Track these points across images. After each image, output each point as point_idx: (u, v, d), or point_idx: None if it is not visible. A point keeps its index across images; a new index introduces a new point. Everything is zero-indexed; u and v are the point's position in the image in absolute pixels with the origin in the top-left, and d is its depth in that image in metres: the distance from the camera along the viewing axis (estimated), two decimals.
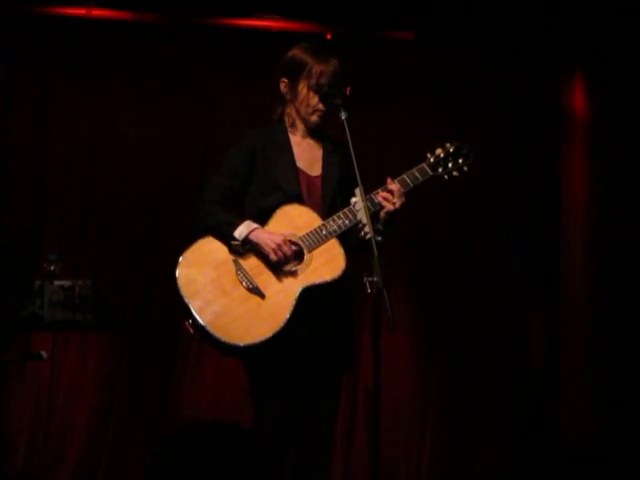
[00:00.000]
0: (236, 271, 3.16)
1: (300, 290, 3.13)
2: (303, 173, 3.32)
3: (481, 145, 5.22)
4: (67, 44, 5.07)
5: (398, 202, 3.22)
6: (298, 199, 3.25)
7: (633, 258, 5.14)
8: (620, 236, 5.22)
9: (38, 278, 4.58)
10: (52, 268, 4.61)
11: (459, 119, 5.33)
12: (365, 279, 2.86)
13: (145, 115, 5.17)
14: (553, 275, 5.44)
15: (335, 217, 3.21)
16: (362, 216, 3.03)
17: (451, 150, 3.35)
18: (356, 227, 3.12)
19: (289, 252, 3.16)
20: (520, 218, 5.46)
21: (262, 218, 3.22)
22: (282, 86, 3.35)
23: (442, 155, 3.34)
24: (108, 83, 5.12)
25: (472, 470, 5.25)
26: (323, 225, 3.20)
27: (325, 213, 3.24)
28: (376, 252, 2.90)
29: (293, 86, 3.32)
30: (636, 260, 5.12)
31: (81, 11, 4.95)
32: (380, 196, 3.23)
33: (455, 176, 3.35)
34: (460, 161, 3.35)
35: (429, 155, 3.33)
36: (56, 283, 4.53)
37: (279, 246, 3.14)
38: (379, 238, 3.05)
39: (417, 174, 3.29)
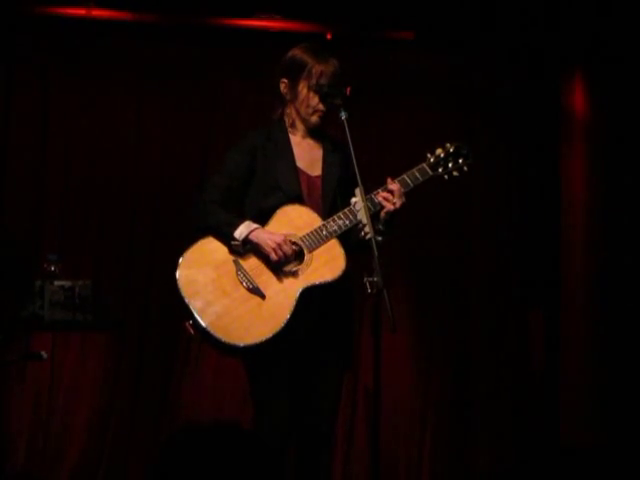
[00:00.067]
0: (236, 271, 3.16)
1: (300, 290, 3.13)
2: (303, 173, 3.32)
3: (481, 145, 5.23)
4: (67, 44, 5.07)
5: (398, 202, 3.22)
6: (298, 199, 3.26)
7: (633, 258, 5.14)
8: (620, 236, 5.22)
9: (38, 278, 4.58)
10: (52, 268, 4.61)
11: (459, 119, 5.33)
12: (365, 279, 2.86)
13: (145, 115, 5.17)
14: (553, 275, 5.44)
15: (335, 217, 3.21)
16: (362, 216, 3.03)
17: (451, 150, 3.35)
18: (356, 227, 3.12)
19: (289, 252, 3.16)
20: (520, 218, 5.46)
21: (262, 218, 3.22)
22: (282, 86, 3.35)
23: (442, 155, 3.34)
24: (108, 83, 5.12)
25: (472, 470, 5.24)
26: (323, 225, 3.20)
27: (325, 213, 3.24)
28: (376, 252, 2.90)
29: (293, 86, 3.32)
30: (636, 260, 5.12)
31: (81, 11, 4.95)
32: (380, 196, 3.23)
33: (455, 176, 3.36)
34: (460, 161, 3.35)
35: (429, 155, 3.34)
36: (56, 283, 4.53)
37: (279, 246, 3.14)
38: (379, 238, 3.05)
39: (417, 174, 3.29)
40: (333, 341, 3.27)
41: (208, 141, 5.18)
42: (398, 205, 3.22)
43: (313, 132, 3.37)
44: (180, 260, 3.16)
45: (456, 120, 5.31)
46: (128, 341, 5.03)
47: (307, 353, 3.23)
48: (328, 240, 3.19)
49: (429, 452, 5.24)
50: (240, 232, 3.16)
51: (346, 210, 3.21)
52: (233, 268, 3.17)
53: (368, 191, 3.17)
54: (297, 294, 3.13)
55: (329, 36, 5.11)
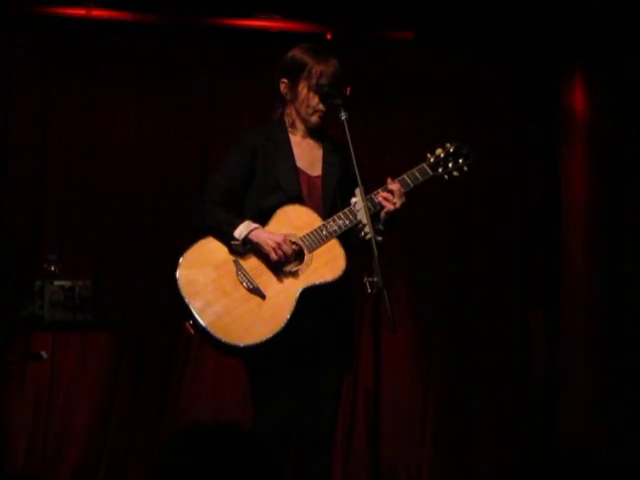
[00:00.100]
0: (236, 272, 3.16)
1: (300, 290, 3.13)
2: (303, 173, 3.32)
3: (481, 145, 5.22)
4: (67, 44, 5.07)
5: (398, 202, 3.22)
6: (298, 199, 3.26)
7: (633, 258, 5.14)
8: (620, 236, 5.21)
9: (38, 278, 4.58)
10: (52, 268, 4.61)
11: (459, 119, 5.33)
12: (365, 279, 2.86)
13: (145, 115, 5.17)
14: (553, 275, 5.44)
15: (335, 217, 3.21)
16: (362, 216, 3.03)
17: (451, 150, 3.35)
18: (356, 227, 3.12)
19: (289, 251, 3.16)
20: (520, 218, 5.46)
21: (262, 218, 3.22)
22: (282, 86, 3.35)
23: (442, 155, 3.34)
24: (108, 83, 5.12)
25: (472, 470, 5.24)
26: (323, 225, 3.20)
27: (325, 213, 3.24)
28: (376, 252, 2.90)
29: (293, 86, 3.32)
30: (636, 260, 5.12)
31: (81, 11, 4.94)
32: (380, 196, 3.23)
33: (455, 176, 3.35)
34: (460, 161, 3.35)
35: (429, 155, 3.33)
36: (56, 283, 4.53)
37: (279, 245, 3.14)
38: (379, 238, 3.04)
39: (417, 174, 3.29)
40: (333, 341, 3.27)
41: (208, 141, 5.18)
42: (398, 205, 3.22)
43: (313, 132, 3.37)
44: (180, 260, 3.16)
45: (456, 120, 5.31)
46: (128, 341, 5.03)
47: (307, 353, 3.23)
48: (328, 240, 3.19)
49: (429, 452, 5.24)
50: (240, 232, 3.16)
51: (346, 210, 3.21)
52: (233, 268, 3.17)
53: (368, 191, 3.17)
54: (297, 294, 3.13)
55: (329, 36, 5.11)
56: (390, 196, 3.22)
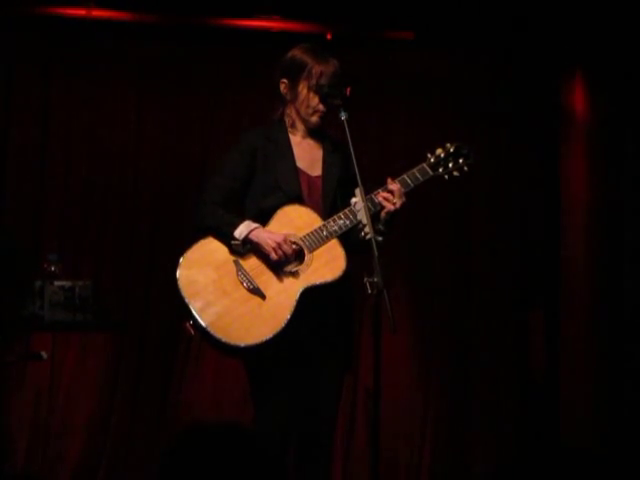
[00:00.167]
0: (237, 272, 3.16)
1: (301, 290, 3.13)
2: (303, 173, 3.32)
3: (481, 145, 5.23)
4: (67, 44, 5.07)
5: (399, 202, 3.22)
6: (298, 199, 3.26)
7: (633, 258, 5.14)
8: (620, 236, 5.21)
9: (38, 278, 4.59)
10: (52, 269, 4.61)
11: (459, 119, 5.33)
12: (365, 279, 2.85)
13: (145, 115, 5.17)
14: (553, 275, 5.44)
15: (335, 217, 3.21)
16: (362, 216, 3.03)
17: (451, 150, 3.35)
18: (356, 227, 3.12)
19: (289, 251, 3.16)
20: (520, 218, 5.46)
21: (262, 219, 3.22)
22: (282, 87, 3.35)
23: (442, 155, 3.34)
24: (108, 83, 5.12)
25: (472, 470, 5.24)
26: (324, 225, 3.20)
27: (326, 213, 3.24)
28: (376, 252, 2.90)
29: (293, 87, 3.32)
30: (636, 260, 5.12)
31: (81, 11, 4.94)
32: (380, 196, 3.23)
33: (455, 176, 3.36)
34: (460, 161, 3.35)
35: (429, 155, 3.34)
36: (56, 284, 4.54)
37: (279, 245, 3.14)
38: (379, 238, 3.04)
39: (417, 174, 3.29)
40: (333, 341, 3.27)
41: (208, 141, 5.18)
42: (398, 205, 3.22)
43: (313, 132, 3.37)
44: (180, 260, 3.16)
45: (456, 120, 5.31)
46: (128, 341, 5.03)
47: (307, 353, 3.24)
48: (328, 240, 3.19)
49: (429, 452, 5.24)
50: (240, 231, 3.16)
51: (346, 210, 3.21)
52: (233, 268, 3.17)
53: (368, 191, 3.17)
54: (297, 294, 3.13)
55: (329, 36, 5.11)
56: (390, 196, 3.23)
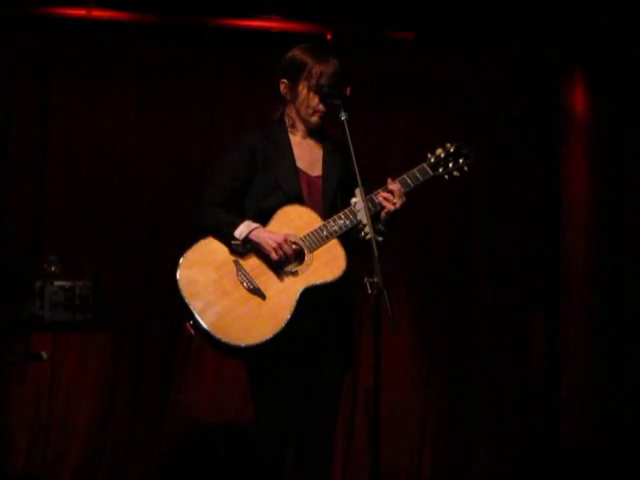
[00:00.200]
0: (237, 272, 3.16)
1: (301, 290, 3.13)
2: (303, 173, 3.32)
3: (481, 145, 5.23)
4: (67, 44, 5.07)
5: (399, 202, 3.22)
6: (298, 200, 3.26)
7: (633, 258, 5.14)
8: (620, 236, 5.21)
9: (38, 279, 4.58)
10: (52, 269, 4.61)
11: (459, 119, 5.33)
12: (365, 280, 2.85)
13: (145, 115, 5.16)
14: (553, 275, 5.44)
15: (336, 217, 3.21)
16: (362, 216, 3.03)
17: (451, 150, 3.35)
18: (357, 227, 3.12)
19: (290, 251, 3.16)
20: (520, 218, 5.46)
21: (262, 219, 3.22)
22: (282, 87, 3.35)
23: (442, 155, 3.34)
24: (108, 83, 5.12)
25: (472, 470, 5.24)
26: (324, 225, 3.20)
27: (326, 213, 3.24)
28: (376, 252, 2.90)
29: (293, 87, 3.32)
30: (636, 260, 5.12)
31: (81, 11, 4.94)
32: (381, 196, 3.23)
33: (455, 176, 3.36)
34: (460, 161, 3.35)
35: (429, 155, 3.34)
36: (56, 284, 4.54)
37: (280, 245, 3.14)
38: (379, 238, 3.04)
39: (418, 174, 3.29)
40: (334, 341, 3.27)
41: (208, 141, 5.18)
42: (398, 205, 3.22)
43: (313, 132, 3.37)
44: (181, 260, 3.16)
45: (456, 120, 5.31)
46: (128, 341, 5.03)
47: (307, 353, 3.23)
48: (328, 240, 3.19)
49: (429, 452, 5.24)
50: (240, 231, 3.16)
51: (346, 210, 3.21)
52: (234, 268, 3.17)
53: (368, 191, 3.17)
54: (298, 294, 3.13)
55: (329, 36, 5.11)
56: (390, 196, 3.23)
